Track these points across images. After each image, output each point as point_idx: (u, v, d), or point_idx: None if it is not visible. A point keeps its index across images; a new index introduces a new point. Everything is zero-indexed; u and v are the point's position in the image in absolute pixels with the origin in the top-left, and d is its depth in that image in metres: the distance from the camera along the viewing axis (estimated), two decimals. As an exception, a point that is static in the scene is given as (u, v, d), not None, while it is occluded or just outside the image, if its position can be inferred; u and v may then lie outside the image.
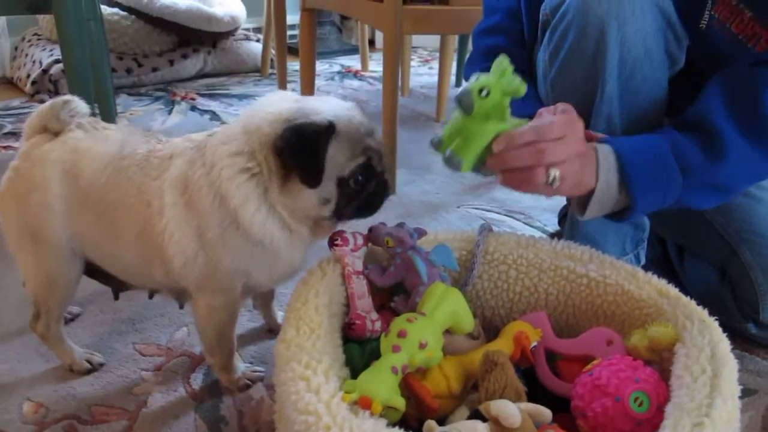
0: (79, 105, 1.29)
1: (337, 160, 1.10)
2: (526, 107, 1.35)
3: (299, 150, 1.08)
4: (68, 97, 1.28)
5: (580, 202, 1.18)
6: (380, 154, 1.16)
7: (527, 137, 1.05)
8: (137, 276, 1.30)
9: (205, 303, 1.24)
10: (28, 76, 3.48)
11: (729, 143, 1.15)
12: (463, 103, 1.05)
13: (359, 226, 1.22)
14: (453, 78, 3.72)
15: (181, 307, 1.38)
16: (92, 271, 1.34)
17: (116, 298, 1.44)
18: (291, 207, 1.13)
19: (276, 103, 1.14)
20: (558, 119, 1.09)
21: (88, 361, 1.39)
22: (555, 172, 1.05)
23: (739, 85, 1.18)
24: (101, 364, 1.41)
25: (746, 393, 1.32)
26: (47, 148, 1.24)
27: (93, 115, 1.34)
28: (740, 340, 1.46)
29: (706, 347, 0.95)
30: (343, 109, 1.15)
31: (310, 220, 1.17)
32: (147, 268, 1.25)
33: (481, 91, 1.03)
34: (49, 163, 1.23)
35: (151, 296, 1.41)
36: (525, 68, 1.43)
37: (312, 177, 1.09)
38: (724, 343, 0.96)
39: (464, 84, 1.06)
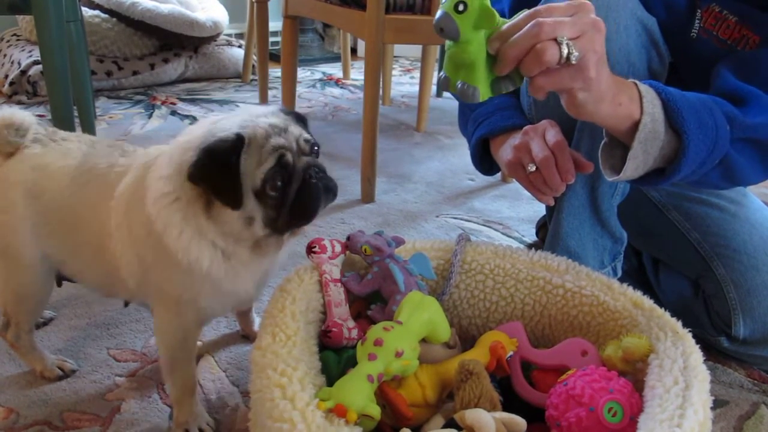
0: (25, 120, 1.21)
1: (248, 172, 1.01)
2: (508, 118, 1.36)
3: (212, 173, 1.00)
4: (6, 116, 1.19)
5: (618, 155, 1.08)
6: (299, 148, 1.05)
7: (521, 23, 0.90)
8: (107, 289, 1.28)
9: (160, 317, 1.19)
10: (6, 76, 3.45)
11: (761, 99, 1.11)
12: (447, 31, 0.90)
13: (337, 233, 1.21)
14: (434, 88, 3.75)
15: None
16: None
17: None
18: (221, 232, 1.06)
19: (194, 130, 1.08)
20: (562, 3, 0.92)
21: (60, 368, 1.38)
22: (566, 42, 0.88)
23: (745, 62, 1.17)
24: (74, 371, 1.39)
25: (718, 404, 1.34)
26: (5, 169, 1.20)
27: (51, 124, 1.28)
28: (713, 351, 1.48)
29: (679, 359, 0.96)
30: (251, 117, 1.05)
31: (247, 241, 1.08)
32: (111, 285, 1.23)
33: (457, 6, 0.89)
34: (11, 185, 1.19)
35: (126, 305, 1.40)
36: None
37: (231, 199, 1.01)
38: (696, 355, 0.98)
39: (437, 14, 0.91)
